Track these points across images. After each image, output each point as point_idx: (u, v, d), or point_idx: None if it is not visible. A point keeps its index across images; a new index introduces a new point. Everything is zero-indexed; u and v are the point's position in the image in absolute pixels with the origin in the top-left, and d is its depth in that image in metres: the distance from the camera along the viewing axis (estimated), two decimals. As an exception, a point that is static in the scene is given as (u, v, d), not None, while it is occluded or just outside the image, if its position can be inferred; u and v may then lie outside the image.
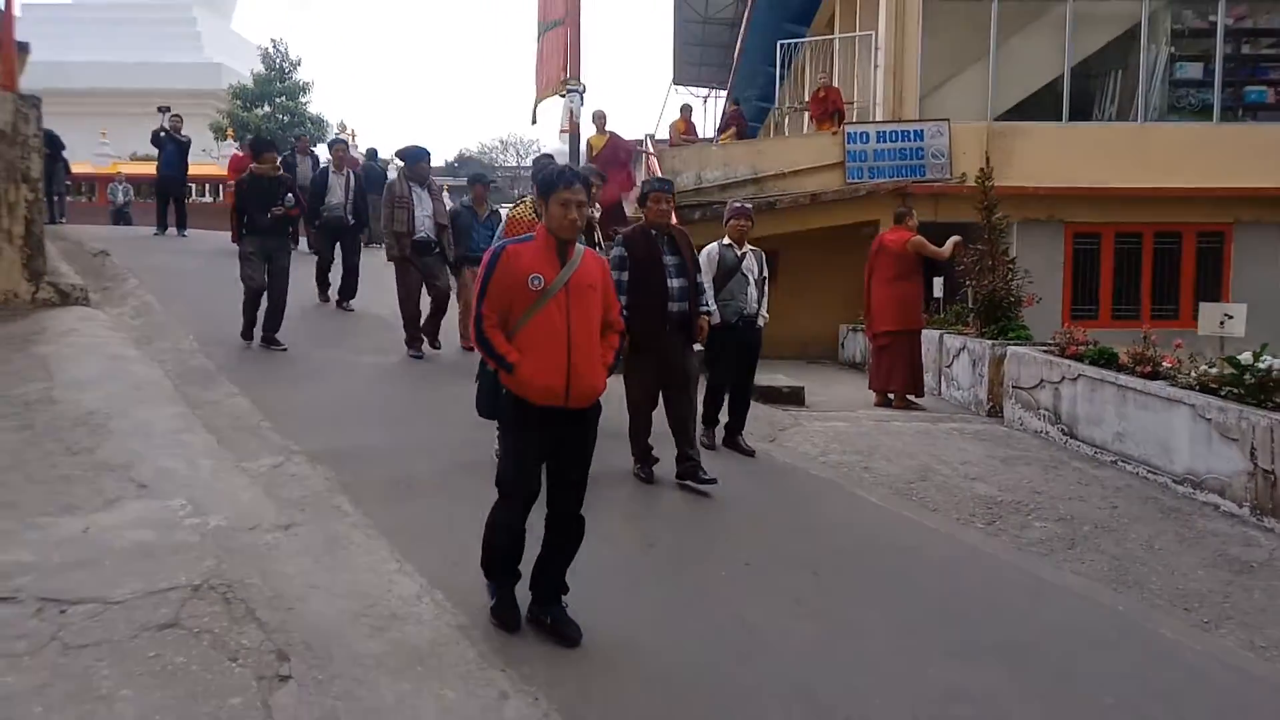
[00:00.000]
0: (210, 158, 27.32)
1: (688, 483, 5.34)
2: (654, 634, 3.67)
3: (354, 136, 30.14)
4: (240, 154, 13.47)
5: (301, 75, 32.41)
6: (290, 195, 7.85)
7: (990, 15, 12.84)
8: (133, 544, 3.97)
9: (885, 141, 12.88)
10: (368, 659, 3.27)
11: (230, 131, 27.79)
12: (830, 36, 16.78)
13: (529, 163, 58.58)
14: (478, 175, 9.55)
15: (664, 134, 18.05)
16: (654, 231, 5.39)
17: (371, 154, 16.58)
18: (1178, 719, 3.42)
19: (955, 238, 8.62)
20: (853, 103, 14.98)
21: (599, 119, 12.25)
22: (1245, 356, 5.84)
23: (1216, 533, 5.35)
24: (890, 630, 3.89)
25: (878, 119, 13.26)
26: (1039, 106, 13.16)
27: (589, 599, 3.72)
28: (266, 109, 31.26)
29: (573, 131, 14.52)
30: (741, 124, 16.22)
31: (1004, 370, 7.96)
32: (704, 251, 6.17)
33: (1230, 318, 6.32)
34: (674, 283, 5.32)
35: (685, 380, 5.45)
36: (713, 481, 5.28)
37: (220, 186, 25.81)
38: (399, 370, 7.74)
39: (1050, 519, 5.50)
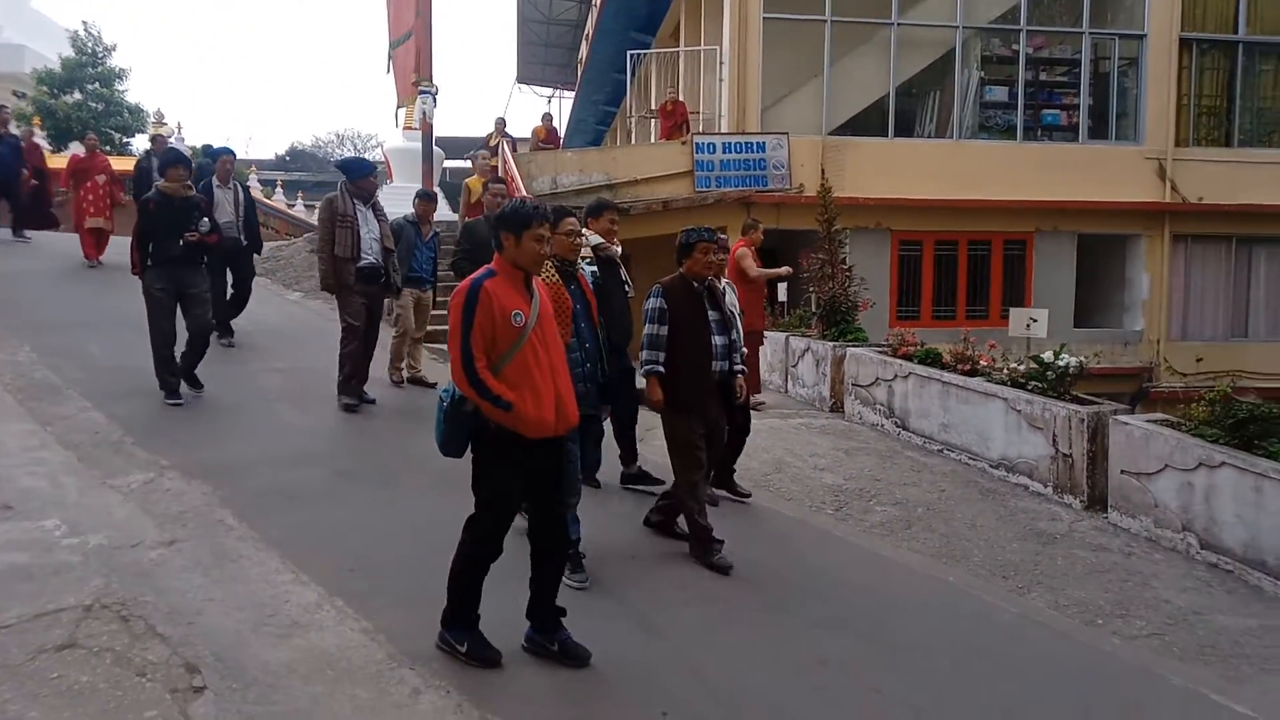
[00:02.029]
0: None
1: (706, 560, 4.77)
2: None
3: (179, 129, 28.48)
4: (80, 155, 12.18)
5: (116, 61, 30.20)
6: (206, 219, 6.83)
7: (824, 36, 13.77)
8: (8, 567, 3.87)
9: (730, 152, 13.55)
10: (278, 666, 3.38)
11: (37, 120, 25.54)
12: (676, 49, 17.41)
13: (369, 156, 56.89)
14: (424, 191, 8.58)
15: (511, 132, 18.45)
16: (696, 284, 4.98)
17: (208, 151, 15.81)
18: (997, 671, 4.02)
19: (786, 269, 8.84)
20: (698, 112, 15.66)
21: (484, 167, 11.69)
22: (1047, 355, 6.71)
23: (1027, 510, 6.16)
24: (763, 608, 4.34)
25: (723, 130, 13.93)
26: (867, 123, 14.24)
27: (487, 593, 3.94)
28: (77, 96, 28.90)
29: (425, 130, 14.51)
30: (554, 139, 16.85)
31: (844, 369, 8.68)
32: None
33: (1035, 321, 7.23)
34: (717, 340, 4.94)
35: (719, 442, 5.11)
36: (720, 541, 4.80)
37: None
38: (261, 380, 7.59)
39: (889, 503, 6.15)
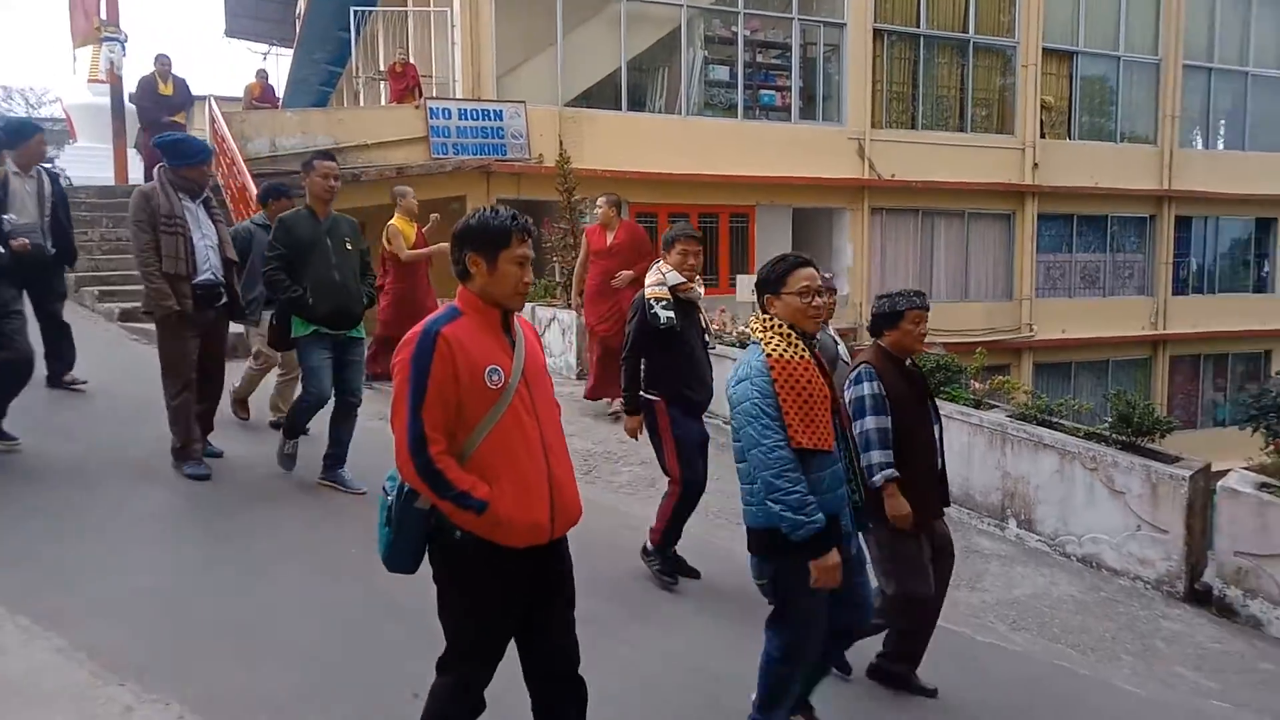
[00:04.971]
0: None
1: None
2: (270, 623, 3.66)
3: None
4: None
5: None
6: (4, 217, 5.25)
7: (556, 4, 13.76)
8: None
9: (467, 119, 13.22)
10: (-55, 703, 2.85)
11: None
12: (405, 8, 16.66)
13: (44, 113, 49.45)
14: (275, 186, 6.58)
15: (221, 90, 16.83)
16: (908, 364, 3.99)
17: None
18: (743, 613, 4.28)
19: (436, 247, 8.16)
20: (430, 76, 15.11)
21: (610, 208, 8.13)
22: (772, 318, 7.20)
23: (758, 462, 6.59)
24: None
25: (458, 96, 13.55)
26: (603, 96, 14.47)
27: (194, 590, 3.58)
28: None
29: (114, 83, 12.85)
30: (271, 98, 15.94)
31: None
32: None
33: (760, 286, 7.70)
34: (936, 429, 3.98)
35: (949, 560, 4.04)
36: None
37: None
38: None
39: (635, 463, 6.34)
